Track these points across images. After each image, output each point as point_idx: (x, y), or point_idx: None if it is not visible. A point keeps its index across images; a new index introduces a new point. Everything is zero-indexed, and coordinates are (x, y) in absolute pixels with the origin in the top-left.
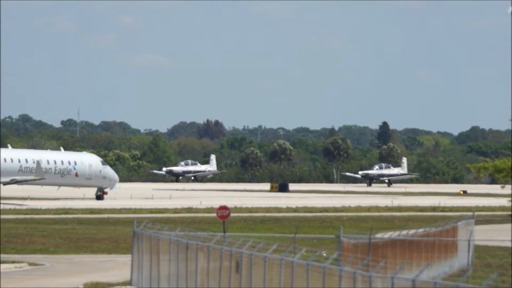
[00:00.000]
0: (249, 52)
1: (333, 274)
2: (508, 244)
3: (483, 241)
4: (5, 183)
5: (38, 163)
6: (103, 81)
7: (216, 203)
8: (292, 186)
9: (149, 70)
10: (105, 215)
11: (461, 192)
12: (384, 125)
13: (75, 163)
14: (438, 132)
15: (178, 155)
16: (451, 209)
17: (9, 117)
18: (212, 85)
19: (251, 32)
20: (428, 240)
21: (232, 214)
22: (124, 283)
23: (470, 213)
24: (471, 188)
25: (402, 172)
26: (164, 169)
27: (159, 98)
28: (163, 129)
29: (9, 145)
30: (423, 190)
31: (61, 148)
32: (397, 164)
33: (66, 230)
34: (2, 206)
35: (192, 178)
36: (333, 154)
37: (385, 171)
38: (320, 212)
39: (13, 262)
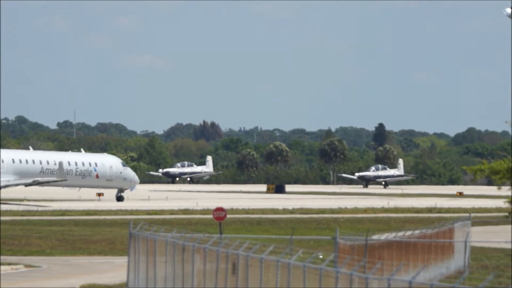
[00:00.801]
0: (245, 53)
1: (330, 276)
2: (505, 245)
3: (480, 243)
4: (27, 185)
5: (60, 164)
6: (100, 83)
7: (213, 205)
8: (288, 188)
9: (145, 71)
10: (102, 217)
11: (458, 194)
12: (380, 126)
13: (96, 164)
14: (434, 134)
15: (174, 157)
16: (448, 210)
17: (6, 118)
18: (209, 86)
19: (248, 33)
20: (424, 241)
21: (228, 216)
22: (121, 285)
23: (467, 215)
24: (467, 189)
25: (398, 173)
26: (161, 170)
27: (156, 100)
28: (160, 130)
29: (30, 147)
30: (420, 192)
31: (82, 149)
32: (394, 166)
33: (63, 231)
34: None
35: (188, 179)
36: (330, 155)
37: (381, 173)
38: (317, 213)
39: (10, 264)
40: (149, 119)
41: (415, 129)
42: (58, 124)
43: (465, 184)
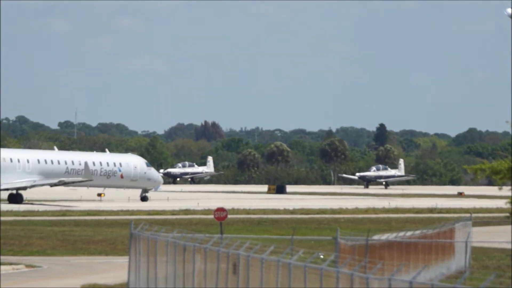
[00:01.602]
0: (246, 54)
1: (331, 276)
2: (506, 245)
3: (481, 243)
4: (52, 185)
5: (86, 165)
6: (101, 83)
7: (214, 205)
8: (289, 188)
9: (146, 72)
10: (103, 217)
11: (459, 194)
12: (381, 126)
13: (121, 164)
14: (435, 134)
15: (175, 157)
16: (448, 210)
17: (6, 118)
18: (210, 87)
19: (248, 33)
20: (425, 241)
21: (229, 216)
22: (122, 285)
23: (468, 215)
24: (468, 189)
25: (399, 173)
26: (162, 170)
27: (157, 100)
28: (160, 131)
29: (55, 147)
30: (420, 192)
31: (106, 150)
32: (394, 166)
33: (64, 232)
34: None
35: (189, 179)
36: (330, 155)
37: (382, 173)
38: (318, 213)
39: (11, 264)
40: (150, 119)
41: (416, 129)
42: (59, 124)
43: (466, 184)
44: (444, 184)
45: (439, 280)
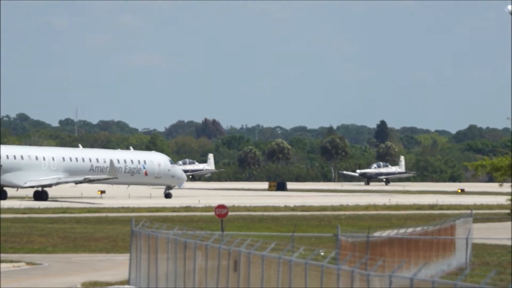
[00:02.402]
0: (246, 51)
1: (331, 273)
2: (506, 242)
3: (481, 240)
4: (78, 182)
5: (111, 162)
6: (101, 81)
7: (214, 202)
8: (290, 185)
9: (146, 69)
10: (103, 214)
11: (459, 190)
12: (382, 123)
13: (145, 162)
14: (436, 131)
15: (176, 154)
16: (449, 207)
17: (7, 116)
18: (210, 84)
19: (249, 31)
20: (426, 238)
21: (230, 213)
22: (122, 282)
23: (468, 211)
24: (469, 186)
25: (399, 170)
26: None
27: (157, 97)
28: (161, 128)
29: (80, 145)
30: (421, 189)
31: (131, 147)
32: (395, 163)
33: (65, 229)
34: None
35: (190, 177)
36: (331, 152)
37: (383, 170)
38: (318, 210)
39: (11, 261)
40: (151, 116)
41: (416, 126)
42: (60, 121)
43: (466, 181)
44: (445, 180)
45: (440, 277)
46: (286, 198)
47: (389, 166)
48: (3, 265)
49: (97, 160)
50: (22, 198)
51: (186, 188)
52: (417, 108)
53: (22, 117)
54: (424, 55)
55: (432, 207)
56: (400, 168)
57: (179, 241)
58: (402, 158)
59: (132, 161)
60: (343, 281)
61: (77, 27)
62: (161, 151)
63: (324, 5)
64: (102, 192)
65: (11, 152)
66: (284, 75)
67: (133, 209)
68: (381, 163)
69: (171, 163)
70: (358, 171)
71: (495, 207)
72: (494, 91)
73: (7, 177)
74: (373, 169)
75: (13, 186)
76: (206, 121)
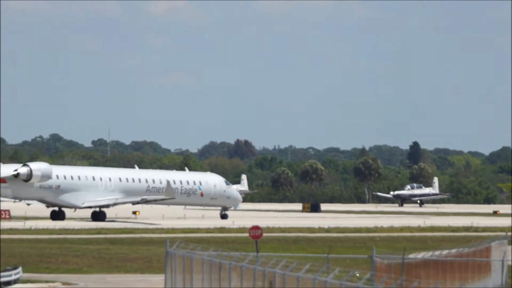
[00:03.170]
0: (279, 73)
1: None
2: None
3: None
4: (135, 203)
5: (168, 183)
6: (134, 102)
7: (248, 223)
8: (323, 206)
9: (179, 90)
10: (138, 235)
11: (494, 212)
12: (415, 145)
13: (200, 183)
14: (469, 152)
15: None
16: (484, 229)
17: (40, 136)
18: (242, 105)
19: (280, 54)
20: (461, 260)
21: (264, 234)
22: None
23: (504, 234)
24: (503, 208)
25: (433, 192)
26: None
27: (189, 118)
28: (194, 149)
29: (136, 166)
30: (455, 210)
31: (186, 168)
32: (428, 184)
33: (99, 250)
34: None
35: None
36: (364, 174)
37: (416, 191)
38: (353, 232)
39: (47, 281)
40: (183, 137)
41: (449, 147)
42: (93, 142)
43: (501, 202)
44: (479, 202)
45: None
46: (320, 220)
47: (423, 187)
48: (39, 285)
49: (153, 181)
50: (81, 218)
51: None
52: (450, 130)
53: (55, 138)
54: (456, 78)
55: (467, 229)
56: (434, 189)
57: (214, 262)
58: (435, 179)
59: (188, 182)
60: None
61: (110, 49)
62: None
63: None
64: (135, 212)
65: (68, 173)
66: (316, 96)
67: (168, 230)
68: (415, 185)
69: (227, 184)
70: (392, 192)
71: None
72: None
73: (65, 198)
74: (407, 191)
75: (71, 207)
76: (238, 142)
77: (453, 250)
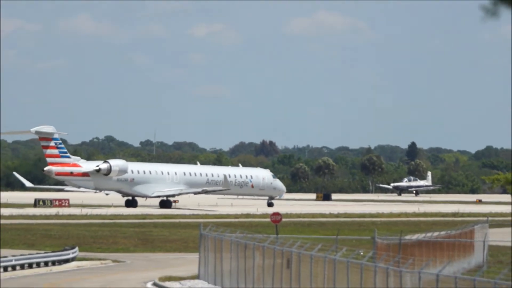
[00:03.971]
0: (298, 83)
1: (369, 270)
2: None
3: (496, 242)
4: (196, 193)
5: (225, 176)
6: (176, 108)
7: (270, 210)
8: (334, 196)
9: (214, 98)
10: (177, 220)
11: (477, 201)
12: (412, 144)
13: (251, 176)
14: (458, 151)
15: None
16: (469, 215)
17: (96, 137)
18: (267, 110)
19: (299, 70)
20: (449, 241)
21: (283, 219)
22: (193, 277)
23: (485, 218)
24: (485, 197)
25: (427, 184)
26: None
27: (223, 122)
28: (226, 148)
29: (197, 162)
30: (445, 199)
31: (239, 164)
32: (423, 177)
33: (144, 232)
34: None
35: None
36: (369, 169)
37: (413, 183)
38: (358, 217)
39: (99, 259)
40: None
41: (441, 146)
42: (141, 142)
43: (484, 193)
44: (465, 192)
45: (461, 274)
46: (331, 207)
47: (418, 180)
48: (92, 262)
49: (212, 174)
50: (149, 206)
51: (247, 199)
52: (442, 131)
53: (109, 139)
54: (449, 86)
55: (454, 214)
56: (428, 182)
57: (240, 243)
58: (429, 173)
59: (241, 175)
60: (379, 276)
61: (158, 65)
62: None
63: (363, 34)
64: (175, 201)
65: (141, 168)
66: (330, 103)
67: (202, 216)
68: (411, 178)
69: (274, 177)
70: (392, 184)
71: (508, 215)
72: (508, 116)
73: (138, 189)
74: (404, 183)
75: (142, 196)
76: (264, 142)
77: (443, 232)
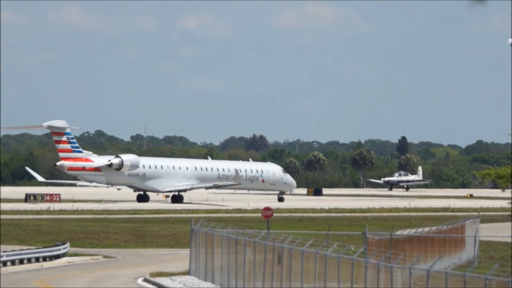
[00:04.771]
0: (289, 78)
1: (360, 265)
2: (509, 239)
3: (487, 237)
4: (208, 188)
5: (237, 171)
6: (166, 102)
7: (261, 205)
8: (325, 191)
9: (204, 93)
10: (168, 215)
11: (468, 196)
12: (403, 139)
13: (262, 171)
14: (449, 145)
15: None
16: (460, 210)
17: (87, 132)
18: (258, 105)
19: (290, 65)
20: (440, 236)
21: (274, 214)
22: (184, 273)
23: (476, 213)
24: (476, 192)
25: (418, 178)
26: None
27: (213, 116)
28: (216, 142)
29: (209, 157)
30: (436, 194)
31: (250, 159)
32: (414, 172)
33: (135, 228)
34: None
35: None
36: (360, 163)
37: (403, 178)
38: (349, 212)
39: (90, 255)
40: (208, 132)
41: (432, 141)
42: (131, 137)
43: (474, 187)
44: (456, 187)
45: (452, 269)
46: (322, 202)
47: (409, 175)
48: (83, 257)
49: (223, 169)
50: (161, 201)
51: (238, 193)
52: (433, 126)
53: (99, 133)
54: (439, 80)
55: (445, 209)
56: (418, 176)
57: (232, 238)
58: (420, 168)
59: (251, 170)
60: (370, 272)
61: (145, 58)
62: None
63: (347, 31)
64: (167, 196)
65: (152, 163)
66: (320, 97)
67: (193, 211)
68: (402, 172)
69: (284, 172)
70: (382, 179)
71: (499, 210)
72: (498, 111)
73: (150, 183)
74: (395, 178)
75: (154, 191)
76: (254, 137)
77: (433, 228)
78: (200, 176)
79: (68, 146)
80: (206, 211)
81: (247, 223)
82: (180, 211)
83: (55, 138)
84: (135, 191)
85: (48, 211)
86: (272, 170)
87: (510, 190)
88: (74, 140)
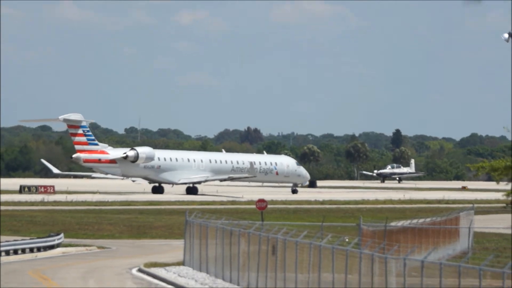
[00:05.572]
0: (284, 72)
1: (354, 256)
2: (502, 231)
3: (481, 229)
4: (222, 180)
5: (251, 164)
6: (161, 95)
7: (256, 197)
8: (319, 183)
9: (199, 86)
10: (162, 207)
11: (463, 187)
12: (397, 132)
13: (276, 164)
14: (443, 138)
15: None
16: (454, 202)
17: None
18: (252, 98)
19: (284, 58)
20: (434, 227)
21: (269, 206)
22: (178, 263)
23: (470, 205)
24: (471, 184)
25: (410, 171)
26: None
27: (208, 109)
28: (211, 135)
29: (223, 150)
30: (430, 186)
31: (264, 152)
32: (407, 165)
33: (129, 219)
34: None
35: None
36: (354, 156)
37: (396, 170)
38: (343, 204)
39: (85, 245)
40: (202, 125)
41: (426, 134)
42: (125, 129)
43: (468, 180)
44: (450, 179)
45: (446, 260)
46: (316, 194)
47: (401, 167)
48: (78, 248)
49: (237, 162)
50: (176, 194)
51: (232, 185)
52: (427, 118)
53: (94, 126)
54: (433, 75)
55: (439, 201)
56: (411, 169)
57: (226, 229)
58: (412, 160)
59: (265, 162)
60: (364, 263)
61: (141, 52)
62: None
63: (348, 26)
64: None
65: (167, 155)
66: (315, 92)
67: (187, 203)
68: (394, 165)
69: (297, 164)
70: (375, 171)
71: (493, 202)
72: (493, 105)
73: (165, 176)
74: (388, 170)
75: (169, 183)
76: (249, 129)
77: (428, 219)
78: (214, 169)
79: (84, 138)
80: (201, 203)
81: (242, 215)
82: (174, 203)
83: (71, 131)
84: (150, 183)
85: (42, 202)
86: (286, 162)
87: (505, 183)
88: (90, 133)
